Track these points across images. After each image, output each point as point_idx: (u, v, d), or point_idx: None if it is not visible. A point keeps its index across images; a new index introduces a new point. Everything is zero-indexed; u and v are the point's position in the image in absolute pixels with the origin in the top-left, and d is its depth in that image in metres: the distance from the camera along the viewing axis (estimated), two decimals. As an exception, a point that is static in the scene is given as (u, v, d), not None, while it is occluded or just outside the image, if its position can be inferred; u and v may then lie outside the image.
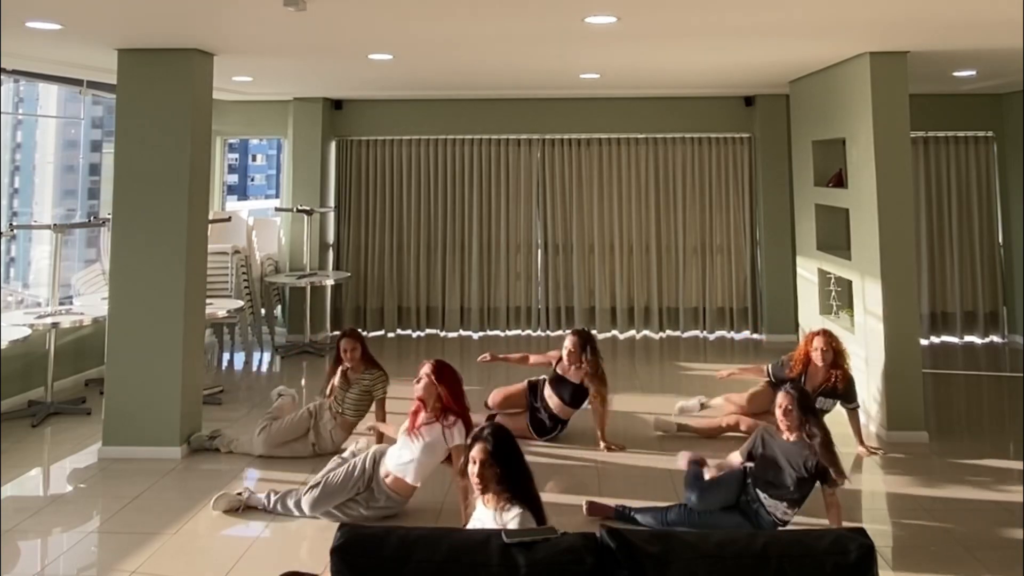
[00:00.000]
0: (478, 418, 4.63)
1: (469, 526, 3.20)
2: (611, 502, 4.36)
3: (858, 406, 5.35)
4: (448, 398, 4.22)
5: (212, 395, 6.42)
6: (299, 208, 8.54)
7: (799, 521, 3.97)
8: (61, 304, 6.48)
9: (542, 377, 5.66)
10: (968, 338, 8.58)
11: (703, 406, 5.87)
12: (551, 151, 9.12)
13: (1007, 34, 5.13)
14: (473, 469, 3.10)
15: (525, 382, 5.72)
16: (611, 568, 2.12)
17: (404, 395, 5.20)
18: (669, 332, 8.90)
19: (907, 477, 4.97)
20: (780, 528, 3.90)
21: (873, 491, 4.93)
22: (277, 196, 11.12)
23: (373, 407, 5.27)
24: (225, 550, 4.03)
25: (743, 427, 5.32)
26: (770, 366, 5.60)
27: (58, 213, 11.99)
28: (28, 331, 5.75)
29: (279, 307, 8.97)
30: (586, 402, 5.45)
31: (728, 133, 9.00)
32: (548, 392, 5.51)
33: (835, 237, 6.94)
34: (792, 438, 3.91)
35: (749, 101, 8.89)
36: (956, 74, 7.13)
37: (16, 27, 4.79)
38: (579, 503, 4.38)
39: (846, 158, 6.37)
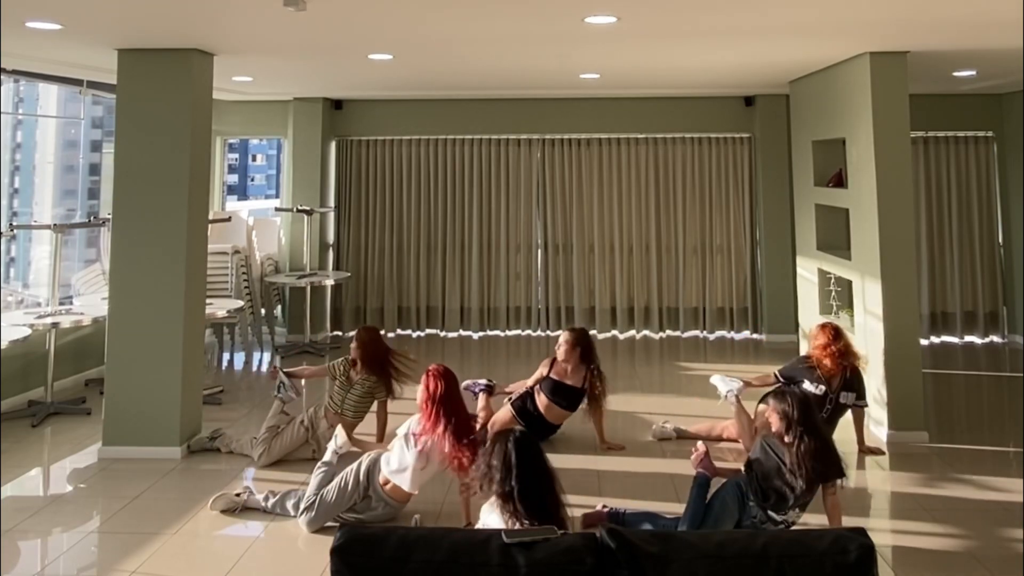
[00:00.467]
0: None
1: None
2: (603, 506, 4.30)
3: (866, 404, 5.34)
4: (441, 403, 4.13)
5: (212, 395, 6.42)
6: (299, 208, 8.54)
7: (799, 521, 3.96)
8: (61, 304, 6.48)
9: (525, 392, 5.49)
10: (968, 338, 8.58)
11: (679, 434, 5.54)
12: (551, 151, 9.12)
13: (1007, 34, 5.13)
14: (495, 476, 2.94)
15: (508, 406, 5.51)
16: (611, 568, 2.12)
17: (405, 395, 5.21)
18: (669, 332, 8.90)
19: (907, 477, 4.97)
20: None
21: (873, 491, 4.94)
22: (277, 196, 11.12)
23: (374, 407, 5.27)
24: (225, 550, 4.03)
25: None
26: (778, 371, 5.38)
27: (58, 213, 11.98)
28: (28, 331, 5.75)
29: (279, 307, 8.98)
30: (582, 403, 5.40)
31: (728, 133, 9.00)
32: (545, 403, 5.39)
33: (835, 237, 6.93)
34: (793, 441, 3.87)
35: (749, 101, 8.89)
36: (956, 74, 7.13)
37: (16, 27, 4.80)
38: (578, 504, 4.34)
39: (846, 158, 6.37)
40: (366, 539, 2.20)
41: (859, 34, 5.27)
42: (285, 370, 5.35)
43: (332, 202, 9.16)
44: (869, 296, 5.83)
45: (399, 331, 9.04)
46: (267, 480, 4.86)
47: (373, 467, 4.22)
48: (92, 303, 6.79)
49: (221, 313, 6.80)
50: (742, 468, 3.99)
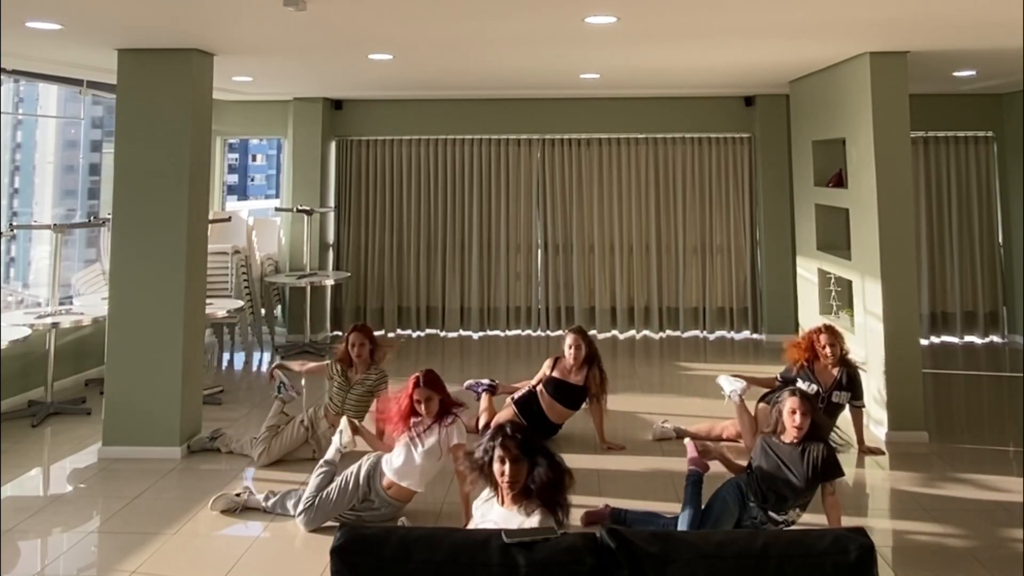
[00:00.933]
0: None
1: (482, 526, 3.04)
2: (606, 505, 4.31)
3: (864, 405, 5.35)
4: (439, 400, 4.19)
5: (212, 395, 6.42)
6: (299, 208, 8.54)
7: (799, 521, 3.96)
8: (61, 304, 6.48)
9: (528, 391, 5.51)
10: (968, 338, 8.58)
11: (679, 434, 5.48)
12: (551, 151, 9.12)
13: (1007, 34, 5.13)
14: (503, 468, 2.96)
15: (511, 405, 5.50)
16: (611, 568, 2.12)
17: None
18: (669, 332, 8.90)
19: (907, 477, 4.97)
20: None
21: (873, 491, 4.94)
22: (277, 196, 11.12)
23: (374, 406, 5.26)
24: (225, 550, 4.03)
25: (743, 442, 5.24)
26: (779, 374, 5.41)
27: (58, 213, 11.99)
28: (28, 331, 5.75)
29: (279, 307, 8.98)
30: (584, 403, 5.43)
31: (728, 133, 9.00)
32: (548, 401, 5.41)
33: (835, 237, 6.94)
34: (796, 441, 3.87)
35: (749, 101, 8.89)
36: (956, 74, 7.13)
37: (16, 27, 4.80)
38: (578, 504, 4.35)
39: (846, 158, 6.37)
40: (366, 539, 2.20)
41: (859, 34, 5.27)
42: (283, 363, 5.33)
43: (332, 202, 9.16)
44: (869, 296, 5.83)
45: (399, 331, 9.04)
46: (267, 480, 4.86)
47: (374, 471, 4.22)
48: (92, 303, 6.79)
49: (221, 313, 6.80)
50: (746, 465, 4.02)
